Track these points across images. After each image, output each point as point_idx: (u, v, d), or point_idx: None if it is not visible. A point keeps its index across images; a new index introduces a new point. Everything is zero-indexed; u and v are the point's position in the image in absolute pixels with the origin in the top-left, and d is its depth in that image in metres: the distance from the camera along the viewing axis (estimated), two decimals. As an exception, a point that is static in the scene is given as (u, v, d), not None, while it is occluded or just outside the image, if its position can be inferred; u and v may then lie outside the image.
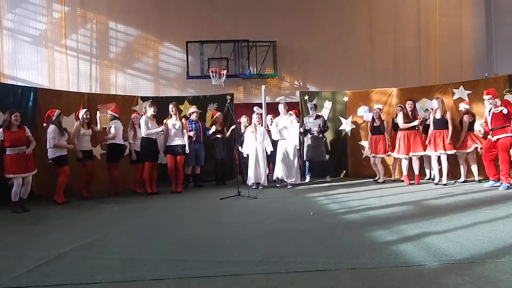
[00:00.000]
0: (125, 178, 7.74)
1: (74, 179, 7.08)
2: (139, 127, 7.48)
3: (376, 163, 8.29)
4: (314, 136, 8.45)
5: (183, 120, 7.77)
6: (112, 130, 7.22)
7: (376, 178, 8.27)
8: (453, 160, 7.68)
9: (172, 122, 7.49)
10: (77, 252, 3.38)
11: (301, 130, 8.55)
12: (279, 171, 7.69)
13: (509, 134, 6.39)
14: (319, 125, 8.50)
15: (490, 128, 6.65)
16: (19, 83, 9.81)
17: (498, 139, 6.47)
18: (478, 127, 7.58)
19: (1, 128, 5.83)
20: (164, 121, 7.53)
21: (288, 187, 7.61)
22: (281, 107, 7.90)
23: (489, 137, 6.73)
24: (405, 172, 7.72)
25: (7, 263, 3.14)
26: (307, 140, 8.59)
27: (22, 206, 5.85)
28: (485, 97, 6.69)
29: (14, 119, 5.81)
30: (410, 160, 7.65)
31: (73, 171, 6.87)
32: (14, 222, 5.14)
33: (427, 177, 8.06)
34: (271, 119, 8.36)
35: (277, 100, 10.78)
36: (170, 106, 7.59)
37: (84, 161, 6.93)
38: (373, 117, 8.34)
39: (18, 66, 10.85)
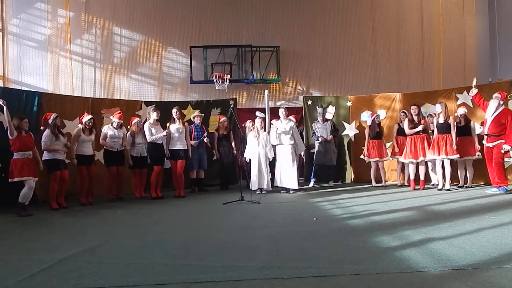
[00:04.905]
0: (126, 183, 7.75)
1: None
2: (141, 133, 7.50)
3: (380, 167, 8.31)
4: (326, 140, 8.43)
5: (186, 124, 7.79)
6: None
7: (381, 184, 8.28)
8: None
9: (176, 126, 7.53)
10: (80, 257, 3.38)
11: (315, 138, 8.60)
12: (279, 178, 7.69)
13: (503, 141, 6.52)
14: (331, 130, 8.49)
15: (486, 133, 6.74)
16: (23, 88, 9.86)
17: (494, 146, 6.63)
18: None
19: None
20: (168, 124, 7.55)
21: (291, 192, 7.60)
22: (281, 112, 7.90)
23: (484, 142, 6.85)
24: (412, 177, 7.69)
25: (10, 267, 3.16)
26: (317, 145, 8.58)
27: (25, 210, 5.85)
28: (496, 95, 6.69)
29: (25, 125, 5.96)
30: (416, 165, 7.63)
31: (75, 176, 6.88)
32: (18, 226, 5.15)
33: (433, 182, 8.03)
34: (271, 123, 8.36)
35: (278, 104, 10.84)
36: (174, 110, 7.63)
37: (81, 166, 6.80)
38: (374, 122, 8.34)
39: (23, 71, 10.93)
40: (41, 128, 6.51)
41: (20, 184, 5.89)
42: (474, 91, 6.95)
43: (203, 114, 8.61)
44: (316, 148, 8.59)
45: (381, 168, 8.37)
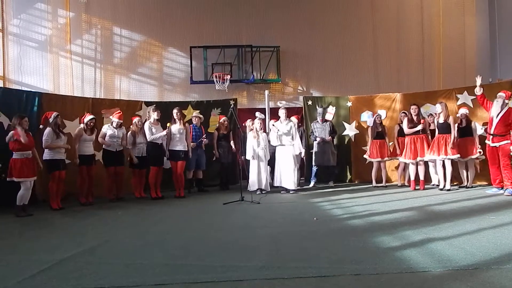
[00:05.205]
0: (126, 183, 7.75)
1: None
2: (141, 132, 7.50)
3: (381, 167, 8.31)
4: (324, 141, 8.42)
5: (187, 124, 7.79)
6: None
7: (381, 184, 8.27)
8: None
9: (177, 127, 7.52)
10: (80, 257, 3.39)
11: (313, 138, 8.59)
12: (278, 178, 7.68)
13: (509, 141, 6.45)
14: (329, 131, 8.48)
15: (491, 132, 6.64)
16: (24, 88, 9.85)
17: (499, 145, 6.53)
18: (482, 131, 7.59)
19: (12, 131, 5.87)
20: (168, 124, 7.55)
21: (291, 192, 7.60)
22: (282, 113, 7.88)
23: (488, 142, 6.74)
24: (412, 177, 7.69)
25: (11, 267, 3.16)
26: (316, 146, 8.57)
27: (24, 210, 5.86)
28: (500, 94, 6.61)
29: (25, 124, 5.93)
30: (416, 165, 7.63)
31: (75, 176, 6.88)
32: (18, 226, 5.15)
33: (433, 182, 8.02)
34: (273, 124, 8.36)
35: (278, 104, 10.83)
36: (174, 111, 7.62)
37: (81, 166, 6.80)
38: (375, 122, 8.35)
39: (23, 71, 10.93)
40: (40, 127, 6.50)
41: (19, 184, 5.88)
42: (479, 90, 6.85)
43: (202, 116, 8.61)
44: (315, 149, 8.58)
45: (383, 168, 8.38)
